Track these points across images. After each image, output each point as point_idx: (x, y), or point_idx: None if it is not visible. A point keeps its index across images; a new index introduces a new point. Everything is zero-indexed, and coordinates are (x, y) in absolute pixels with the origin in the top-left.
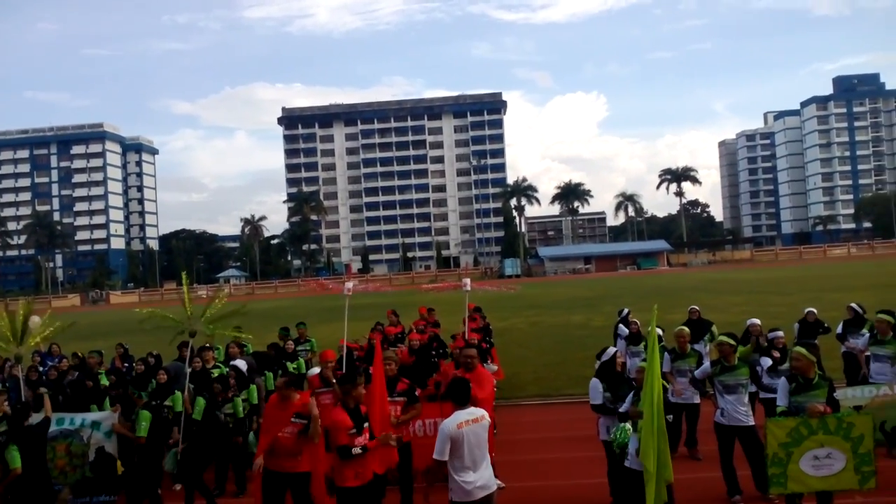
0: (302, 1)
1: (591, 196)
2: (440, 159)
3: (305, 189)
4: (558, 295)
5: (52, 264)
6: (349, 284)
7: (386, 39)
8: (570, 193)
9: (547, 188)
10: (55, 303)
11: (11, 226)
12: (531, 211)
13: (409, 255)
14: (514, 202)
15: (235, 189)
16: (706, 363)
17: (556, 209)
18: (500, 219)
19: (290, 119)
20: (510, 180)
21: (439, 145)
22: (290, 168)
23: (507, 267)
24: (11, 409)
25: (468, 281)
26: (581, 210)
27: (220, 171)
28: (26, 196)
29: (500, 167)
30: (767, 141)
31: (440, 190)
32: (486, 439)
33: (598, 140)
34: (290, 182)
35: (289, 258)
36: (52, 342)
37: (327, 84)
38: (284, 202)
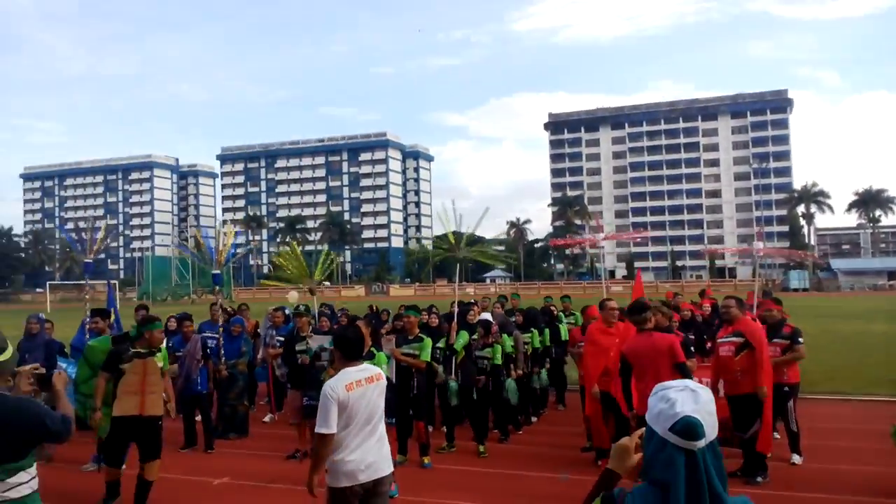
0: (570, 9)
1: None
2: (715, 162)
3: (570, 194)
4: (853, 307)
5: (342, 259)
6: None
7: (654, 44)
8: (871, 200)
9: (841, 195)
10: (344, 292)
11: (310, 223)
12: (822, 221)
13: (679, 263)
14: (801, 209)
15: (499, 197)
16: None
17: (852, 218)
18: (785, 228)
19: (557, 124)
20: (797, 185)
21: (714, 147)
22: (555, 173)
23: (792, 279)
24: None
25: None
26: (883, 220)
27: (485, 178)
28: (322, 198)
29: (785, 171)
30: None
31: (714, 195)
32: (381, 406)
33: None
34: (555, 187)
35: (551, 262)
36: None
37: (591, 91)
38: (549, 206)
